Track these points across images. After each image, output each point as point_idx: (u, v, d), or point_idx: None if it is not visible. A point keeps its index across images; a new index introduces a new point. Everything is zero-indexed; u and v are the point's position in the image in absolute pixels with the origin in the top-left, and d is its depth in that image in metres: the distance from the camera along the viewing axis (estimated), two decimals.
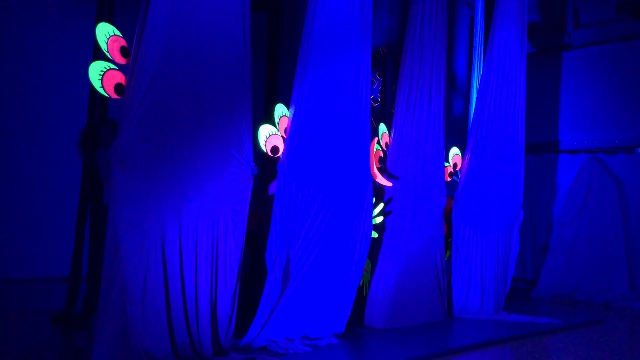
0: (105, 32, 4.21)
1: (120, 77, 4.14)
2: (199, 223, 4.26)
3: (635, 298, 8.85)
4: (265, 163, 5.48)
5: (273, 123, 5.18)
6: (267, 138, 5.06)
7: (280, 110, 5.21)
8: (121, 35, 4.27)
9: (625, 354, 5.46)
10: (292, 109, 5.13)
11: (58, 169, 8.18)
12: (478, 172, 7.19)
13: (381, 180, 6.01)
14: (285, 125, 5.15)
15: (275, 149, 5.09)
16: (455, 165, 7.36)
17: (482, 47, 8.34)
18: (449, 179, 7.29)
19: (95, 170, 5.28)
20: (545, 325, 6.64)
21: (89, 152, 5.28)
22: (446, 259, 6.98)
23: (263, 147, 5.06)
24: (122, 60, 4.26)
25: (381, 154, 6.26)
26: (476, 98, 7.63)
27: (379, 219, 6.08)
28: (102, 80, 4.09)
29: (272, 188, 5.26)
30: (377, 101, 9.35)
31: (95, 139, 5.19)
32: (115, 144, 3.88)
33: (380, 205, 6.12)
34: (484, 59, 7.80)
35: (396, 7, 9.40)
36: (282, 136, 5.15)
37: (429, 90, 6.48)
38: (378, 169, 6.05)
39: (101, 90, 4.11)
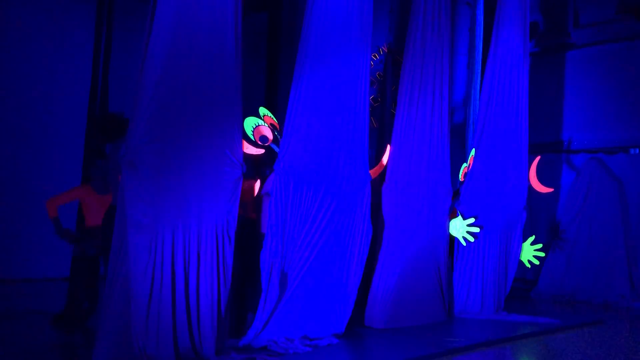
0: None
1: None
2: (201, 223, 4.29)
3: (635, 298, 8.84)
4: (260, 163, 5.52)
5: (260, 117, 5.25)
6: (253, 128, 5.09)
7: (261, 112, 5.25)
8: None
9: (625, 354, 5.46)
10: (290, 108, 5.13)
11: (58, 169, 8.19)
12: (481, 172, 7.18)
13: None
14: (270, 121, 5.19)
15: (264, 138, 5.11)
16: (470, 165, 7.38)
17: (482, 47, 8.33)
18: (464, 180, 7.31)
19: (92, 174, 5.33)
20: (545, 325, 6.64)
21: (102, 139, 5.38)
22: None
23: (251, 136, 5.09)
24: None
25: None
26: (480, 98, 7.62)
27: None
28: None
29: (267, 186, 5.27)
30: (377, 101, 9.35)
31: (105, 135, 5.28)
32: (125, 145, 3.94)
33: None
34: (484, 58, 7.80)
35: (396, 7, 9.40)
36: (269, 125, 5.20)
37: (432, 91, 6.48)
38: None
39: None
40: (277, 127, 5.18)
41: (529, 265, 7.76)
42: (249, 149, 5.02)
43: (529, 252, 7.65)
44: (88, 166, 5.56)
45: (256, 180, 5.30)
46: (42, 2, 8.61)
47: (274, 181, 5.01)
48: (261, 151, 5.15)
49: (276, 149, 5.11)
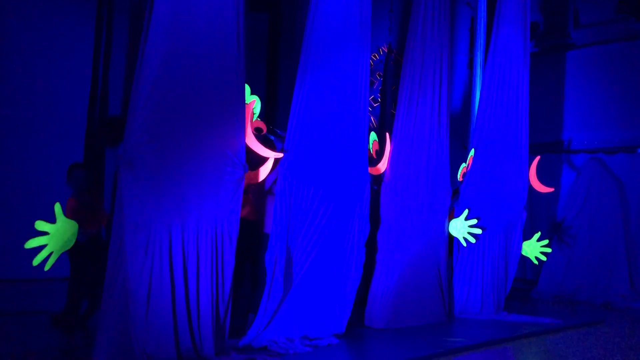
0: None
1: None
2: (200, 222, 4.28)
3: (635, 298, 8.84)
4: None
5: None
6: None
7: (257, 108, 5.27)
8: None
9: (625, 354, 5.46)
10: (293, 108, 5.15)
11: (58, 168, 8.17)
12: (481, 172, 7.18)
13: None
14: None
15: (259, 129, 5.11)
16: (469, 165, 7.38)
17: (484, 47, 8.32)
18: (462, 179, 7.31)
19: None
20: (546, 325, 6.64)
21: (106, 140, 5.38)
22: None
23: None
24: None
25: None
26: (480, 97, 7.63)
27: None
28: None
29: (269, 182, 5.28)
30: (377, 101, 9.37)
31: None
32: (123, 145, 3.93)
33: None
34: (485, 58, 7.79)
35: (396, 7, 9.41)
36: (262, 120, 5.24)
37: (432, 90, 6.48)
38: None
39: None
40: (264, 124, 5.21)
41: (536, 262, 7.79)
42: (268, 153, 4.99)
43: (536, 248, 7.69)
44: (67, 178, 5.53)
45: (266, 161, 5.08)
46: (42, 2, 8.61)
47: (278, 181, 5.03)
48: (280, 155, 5.09)
49: (272, 137, 5.11)
